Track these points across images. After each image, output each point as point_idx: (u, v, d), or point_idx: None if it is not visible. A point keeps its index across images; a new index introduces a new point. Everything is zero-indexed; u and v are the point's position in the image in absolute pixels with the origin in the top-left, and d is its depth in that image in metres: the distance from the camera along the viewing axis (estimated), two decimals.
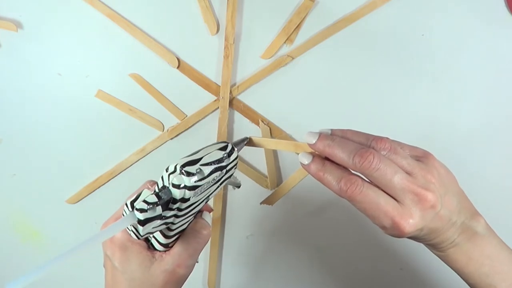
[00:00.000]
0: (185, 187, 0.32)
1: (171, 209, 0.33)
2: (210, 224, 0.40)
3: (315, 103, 0.59)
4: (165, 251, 0.37)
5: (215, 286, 0.64)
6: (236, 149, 0.38)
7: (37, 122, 0.59)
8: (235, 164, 0.38)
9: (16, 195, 0.62)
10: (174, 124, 0.59)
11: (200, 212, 0.40)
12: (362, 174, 0.34)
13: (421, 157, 0.36)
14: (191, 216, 0.37)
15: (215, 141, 0.60)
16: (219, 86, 0.58)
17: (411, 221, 0.33)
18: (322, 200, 0.62)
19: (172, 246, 0.38)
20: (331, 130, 0.38)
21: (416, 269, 0.63)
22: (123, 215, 0.34)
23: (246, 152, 0.61)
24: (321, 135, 0.36)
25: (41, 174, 0.61)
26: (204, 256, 0.64)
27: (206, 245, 0.40)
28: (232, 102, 0.59)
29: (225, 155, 0.36)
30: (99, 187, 0.61)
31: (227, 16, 0.56)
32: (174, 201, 0.33)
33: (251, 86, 0.59)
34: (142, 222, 0.31)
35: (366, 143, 0.35)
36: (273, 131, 0.60)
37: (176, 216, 0.34)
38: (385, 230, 0.35)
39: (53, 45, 0.58)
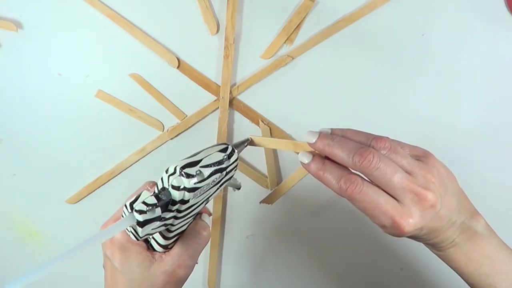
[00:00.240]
0: (185, 188, 0.32)
1: (171, 211, 0.33)
2: (210, 225, 0.40)
3: (315, 103, 0.59)
4: (164, 252, 0.37)
5: (215, 286, 0.64)
6: (236, 151, 0.38)
7: (37, 122, 0.59)
8: (235, 166, 0.38)
9: (16, 195, 0.62)
10: (174, 124, 0.59)
11: (199, 213, 0.40)
12: (362, 173, 0.34)
13: (421, 156, 0.36)
14: (191, 218, 0.36)
15: (215, 141, 0.60)
16: (219, 86, 0.58)
17: (411, 221, 0.33)
18: (322, 200, 0.62)
19: (171, 248, 0.38)
20: (331, 129, 0.38)
21: (416, 269, 0.63)
22: (122, 216, 0.34)
23: (246, 152, 0.61)
24: (321, 135, 0.36)
25: (41, 174, 0.61)
26: (204, 256, 0.64)
27: (206, 245, 0.40)
28: (232, 102, 0.59)
29: (225, 157, 0.36)
30: (99, 187, 0.61)
31: (227, 16, 0.56)
32: (174, 202, 0.33)
33: (251, 86, 0.59)
34: (141, 224, 0.31)
35: (366, 143, 0.35)
36: (273, 131, 0.60)
37: (175, 217, 0.34)
38: (384, 230, 0.35)
39: (53, 45, 0.58)
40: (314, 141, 0.36)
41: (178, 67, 0.58)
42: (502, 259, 0.37)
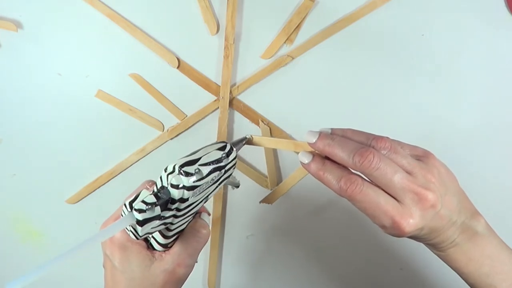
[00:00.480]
0: (184, 187, 0.32)
1: (170, 209, 0.33)
2: (209, 224, 0.40)
3: (315, 103, 0.59)
4: (164, 251, 0.37)
5: (215, 286, 0.64)
6: (235, 149, 0.38)
7: (37, 122, 0.59)
8: (234, 164, 0.38)
9: (16, 195, 0.62)
10: (174, 124, 0.59)
11: (198, 213, 0.40)
12: (362, 173, 0.34)
13: (422, 156, 0.36)
14: (190, 216, 0.37)
15: (215, 141, 0.60)
16: (219, 86, 0.58)
17: (411, 221, 0.33)
18: (322, 200, 0.62)
19: (171, 246, 0.38)
20: (331, 129, 0.38)
21: (416, 269, 0.63)
22: (122, 216, 0.34)
23: (246, 152, 0.61)
24: (321, 134, 0.36)
25: (41, 174, 0.61)
26: (204, 256, 0.64)
27: (206, 245, 0.40)
28: (232, 102, 0.59)
29: (223, 155, 0.36)
30: (99, 187, 0.61)
31: (227, 16, 0.56)
32: (173, 201, 0.33)
33: (251, 86, 0.59)
34: (141, 223, 0.31)
35: (366, 143, 0.35)
36: (273, 131, 0.60)
37: (175, 216, 0.34)
38: (385, 230, 0.35)
39: (53, 45, 0.58)
40: (314, 141, 0.36)
41: (178, 67, 0.58)
42: (503, 259, 0.37)
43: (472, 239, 0.36)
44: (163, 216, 0.32)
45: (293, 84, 0.59)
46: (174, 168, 0.33)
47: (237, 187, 0.43)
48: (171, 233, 0.36)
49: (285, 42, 0.58)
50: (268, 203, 0.61)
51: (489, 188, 0.61)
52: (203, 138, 0.60)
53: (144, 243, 0.37)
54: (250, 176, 0.61)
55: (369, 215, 0.35)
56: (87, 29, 0.57)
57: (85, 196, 0.61)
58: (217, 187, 0.37)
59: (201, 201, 0.36)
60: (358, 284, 0.65)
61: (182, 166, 0.33)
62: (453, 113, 0.60)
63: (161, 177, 0.33)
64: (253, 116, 0.59)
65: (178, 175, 0.32)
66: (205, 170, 0.34)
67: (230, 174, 0.38)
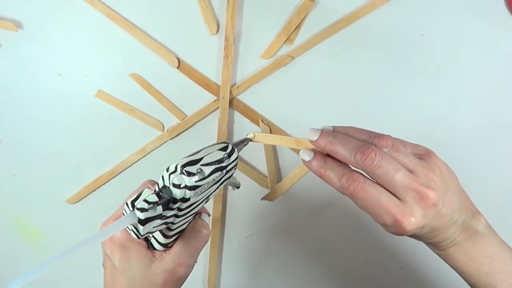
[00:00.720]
0: (186, 187, 0.32)
1: (171, 209, 0.33)
2: (209, 224, 0.40)
3: (315, 103, 0.59)
4: (164, 250, 0.37)
5: (215, 286, 0.64)
6: (236, 149, 0.38)
7: (37, 122, 0.59)
8: (235, 165, 0.38)
9: (16, 195, 0.62)
10: (174, 124, 0.59)
11: (198, 213, 0.40)
12: (364, 171, 0.34)
13: (423, 155, 0.36)
14: (191, 216, 0.37)
15: (215, 141, 0.60)
16: (219, 86, 0.58)
17: (413, 219, 0.33)
18: (321, 200, 0.62)
19: (171, 246, 0.38)
20: (333, 127, 0.38)
21: (416, 269, 0.63)
22: (124, 215, 0.34)
23: (246, 152, 0.61)
24: (323, 132, 0.36)
25: (41, 174, 0.61)
26: (204, 256, 0.64)
27: (206, 245, 0.40)
28: (232, 102, 0.59)
29: (225, 155, 0.36)
30: (99, 187, 0.61)
31: (227, 16, 0.56)
32: (175, 201, 0.33)
33: (251, 86, 0.59)
34: (143, 222, 0.31)
35: (368, 140, 0.35)
36: (273, 131, 0.60)
37: (176, 216, 0.34)
38: (386, 228, 0.35)
39: (53, 45, 0.58)
40: (316, 138, 0.36)
41: (178, 67, 0.58)
42: (503, 259, 0.37)
43: (472, 239, 0.36)
44: (164, 216, 0.32)
45: (293, 84, 0.59)
46: (176, 167, 0.33)
47: (238, 187, 0.43)
48: (172, 233, 0.36)
49: (285, 42, 0.58)
50: (269, 200, 0.61)
51: (489, 188, 0.61)
52: (203, 138, 0.60)
53: (144, 243, 0.37)
54: (250, 176, 0.61)
55: (370, 213, 0.35)
56: (87, 29, 0.57)
57: (85, 196, 0.61)
58: (218, 187, 0.37)
59: (202, 201, 0.36)
60: (358, 284, 0.65)
61: (184, 166, 0.33)
62: (453, 113, 0.60)
63: (163, 177, 0.34)
64: (253, 116, 0.59)
65: (180, 175, 0.32)
66: (207, 170, 0.34)
67: (231, 175, 0.38)
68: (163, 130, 0.60)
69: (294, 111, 0.60)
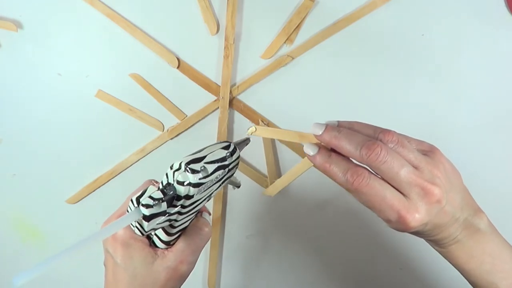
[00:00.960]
0: (190, 184, 0.33)
1: (175, 206, 0.33)
2: (210, 223, 0.40)
3: (315, 103, 0.59)
4: (166, 248, 0.38)
5: (215, 286, 0.64)
6: (238, 148, 0.38)
7: (37, 122, 0.59)
8: (237, 164, 0.38)
9: (16, 195, 0.62)
10: (174, 124, 0.59)
11: (200, 212, 0.40)
12: (368, 166, 0.34)
13: (428, 151, 0.36)
14: (193, 214, 0.37)
15: (215, 141, 0.60)
16: (219, 86, 0.58)
17: (417, 216, 0.33)
18: (321, 201, 0.62)
19: (173, 244, 0.38)
20: (338, 121, 0.38)
21: (416, 269, 0.63)
22: (128, 211, 0.34)
23: (246, 152, 0.61)
24: (328, 127, 0.36)
25: (41, 174, 0.61)
26: (204, 256, 0.64)
27: (206, 245, 0.40)
28: (232, 102, 0.59)
29: (228, 154, 0.37)
30: (99, 187, 0.61)
31: (227, 16, 0.56)
32: (178, 198, 0.33)
33: (251, 86, 0.59)
34: (148, 218, 0.31)
35: (373, 135, 0.35)
36: None
37: (179, 213, 0.34)
38: (390, 224, 0.35)
39: (53, 45, 0.58)
40: (320, 133, 0.36)
41: (178, 67, 0.58)
42: (504, 257, 0.37)
43: (474, 236, 0.36)
44: (168, 212, 0.33)
45: (293, 84, 0.59)
46: (180, 165, 0.33)
47: (238, 187, 0.44)
48: (174, 231, 0.36)
49: (285, 42, 0.58)
50: (270, 195, 0.61)
51: (489, 188, 0.61)
52: (203, 138, 0.60)
53: (146, 241, 0.37)
54: (250, 176, 0.61)
55: (374, 209, 0.35)
56: (87, 29, 0.57)
57: (85, 196, 0.61)
58: (220, 185, 0.38)
59: (204, 199, 0.37)
60: (358, 283, 0.65)
61: (188, 163, 0.33)
62: (453, 113, 0.60)
63: (167, 174, 0.34)
64: (253, 116, 0.59)
65: (184, 172, 0.33)
66: (211, 168, 0.34)
67: (233, 174, 0.39)
68: (163, 130, 0.60)
69: (294, 111, 0.60)
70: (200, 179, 0.33)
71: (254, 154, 0.61)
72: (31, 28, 0.57)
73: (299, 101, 0.59)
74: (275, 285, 0.65)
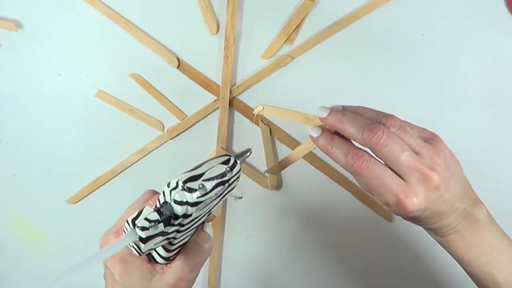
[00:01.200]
0: (187, 203, 0.32)
1: (173, 225, 0.32)
2: (212, 236, 0.39)
3: (315, 103, 0.59)
4: (166, 264, 0.37)
5: (215, 286, 0.64)
6: (238, 162, 0.37)
7: (37, 122, 0.59)
8: (238, 177, 0.37)
9: (16, 195, 0.62)
10: (174, 124, 0.59)
11: (201, 224, 0.40)
12: (370, 149, 0.35)
13: (430, 139, 0.36)
14: (193, 230, 0.36)
15: (215, 141, 0.60)
16: (219, 86, 0.58)
17: (415, 200, 0.33)
18: (321, 201, 0.62)
19: (173, 259, 0.37)
20: (343, 106, 0.38)
21: (416, 269, 0.63)
22: (124, 232, 0.33)
23: None
24: (333, 110, 0.37)
25: (41, 174, 0.61)
26: None
27: (208, 257, 0.40)
28: (232, 102, 0.59)
29: (227, 169, 0.35)
30: (99, 187, 0.61)
31: (227, 16, 0.56)
32: (176, 217, 0.32)
33: (251, 86, 0.59)
34: (144, 240, 0.30)
35: (376, 119, 0.36)
36: (273, 131, 0.60)
37: (178, 231, 0.33)
38: (388, 207, 0.35)
39: (53, 45, 0.58)
40: (325, 116, 0.37)
41: (178, 67, 0.58)
42: (502, 248, 0.37)
43: (473, 227, 0.36)
44: (166, 232, 0.32)
45: (293, 84, 0.59)
46: (177, 183, 0.32)
47: (240, 198, 0.43)
48: (173, 247, 0.35)
49: (285, 42, 0.58)
50: (273, 174, 0.60)
51: (489, 188, 0.61)
52: (203, 138, 0.60)
53: (145, 256, 0.37)
54: (250, 176, 0.61)
55: (373, 192, 0.35)
56: (87, 29, 0.57)
57: (85, 196, 0.61)
58: (220, 200, 0.36)
59: (204, 215, 0.36)
60: (358, 283, 0.65)
61: (185, 181, 0.32)
62: (453, 113, 0.60)
63: (163, 192, 0.33)
64: (253, 116, 0.59)
65: (181, 191, 0.32)
66: (209, 185, 0.33)
67: (234, 187, 0.38)
68: (163, 130, 0.60)
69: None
70: (198, 197, 0.32)
71: (254, 154, 0.61)
72: (31, 28, 0.57)
73: (299, 101, 0.59)
74: (275, 285, 0.65)
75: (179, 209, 0.32)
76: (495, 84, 0.59)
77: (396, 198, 0.34)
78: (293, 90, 0.59)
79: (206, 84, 0.59)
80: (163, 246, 0.35)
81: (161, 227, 0.31)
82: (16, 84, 0.58)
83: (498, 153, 0.61)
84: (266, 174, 0.61)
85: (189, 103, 0.59)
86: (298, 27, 0.57)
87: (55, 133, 0.60)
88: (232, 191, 0.38)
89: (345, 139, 0.37)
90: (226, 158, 0.36)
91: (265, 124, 0.59)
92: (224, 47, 0.57)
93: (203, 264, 0.38)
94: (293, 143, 0.60)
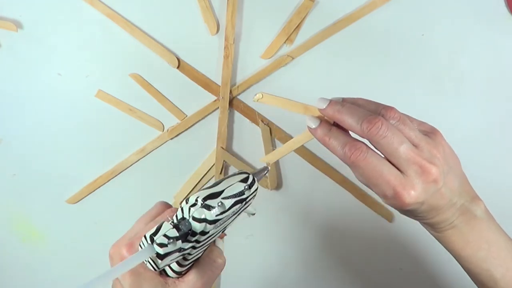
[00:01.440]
0: (206, 220, 0.32)
1: (190, 241, 0.32)
2: (223, 251, 0.39)
3: (315, 103, 0.59)
4: (177, 277, 0.36)
5: (215, 286, 0.64)
6: (256, 180, 0.37)
7: (37, 122, 0.59)
8: (255, 195, 0.37)
9: (16, 195, 0.62)
10: (174, 124, 0.59)
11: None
12: (369, 140, 0.34)
13: (429, 132, 0.36)
14: (207, 246, 0.36)
15: (215, 141, 0.60)
16: (219, 86, 0.58)
17: (413, 193, 0.33)
18: (321, 201, 0.62)
19: (185, 274, 0.36)
20: (343, 98, 0.38)
21: (416, 269, 0.63)
22: (141, 247, 0.33)
23: (246, 151, 0.61)
24: (332, 101, 0.37)
25: (41, 174, 0.61)
26: None
27: (221, 273, 0.40)
28: (232, 102, 0.59)
29: (246, 187, 0.35)
30: (99, 187, 0.61)
31: (227, 16, 0.56)
32: (193, 233, 0.32)
33: (251, 86, 0.59)
34: (162, 256, 0.30)
35: (375, 111, 0.35)
36: (273, 131, 0.60)
37: (193, 247, 0.33)
38: (385, 200, 0.35)
39: (53, 45, 0.58)
40: (324, 107, 0.37)
41: (178, 67, 0.58)
42: (500, 244, 0.37)
43: (470, 223, 0.36)
44: (183, 248, 0.32)
45: (293, 84, 0.59)
46: (196, 200, 0.32)
47: (253, 214, 0.43)
48: (187, 262, 0.35)
49: (285, 42, 0.58)
50: (268, 162, 0.59)
51: (489, 188, 0.61)
52: (203, 138, 0.60)
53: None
54: None
55: (370, 184, 0.35)
56: (87, 29, 0.57)
57: (85, 196, 0.61)
58: (235, 217, 0.36)
59: (219, 232, 0.36)
60: (358, 283, 0.65)
61: (205, 199, 0.32)
62: (453, 113, 0.60)
63: (182, 208, 0.33)
64: (253, 116, 0.59)
65: (201, 208, 0.32)
66: (228, 203, 0.33)
67: (249, 204, 0.38)
68: (163, 130, 0.60)
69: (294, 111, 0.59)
70: (217, 215, 0.32)
71: (254, 154, 0.61)
72: (31, 28, 0.57)
73: (299, 101, 0.59)
74: (275, 285, 0.65)
75: (197, 226, 0.32)
76: (495, 84, 0.59)
77: (393, 190, 0.33)
78: (293, 90, 0.59)
79: (206, 84, 0.59)
80: (176, 261, 0.35)
81: (179, 244, 0.31)
82: (16, 84, 0.58)
83: (498, 153, 0.61)
84: (265, 164, 0.60)
85: (189, 103, 0.59)
86: (298, 27, 0.57)
87: (55, 133, 0.60)
88: (247, 208, 0.38)
89: (344, 131, 0.37)
90: (245, 176, 0.36)
91: (265, 124, 0.59)
92: (224, 47, 0.57)
93: (215, 279, 0.38)
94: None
